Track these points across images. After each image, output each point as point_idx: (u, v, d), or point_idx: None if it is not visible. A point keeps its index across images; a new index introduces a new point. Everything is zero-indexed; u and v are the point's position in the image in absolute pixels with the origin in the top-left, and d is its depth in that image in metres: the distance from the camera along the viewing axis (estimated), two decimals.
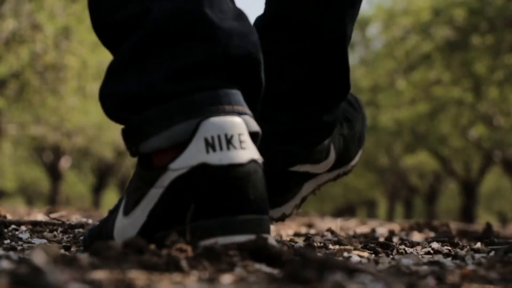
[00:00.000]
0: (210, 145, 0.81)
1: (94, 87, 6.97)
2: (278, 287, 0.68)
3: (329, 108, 1.21)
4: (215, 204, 0.83)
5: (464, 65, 7.04)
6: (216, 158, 0.81)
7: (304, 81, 1.18)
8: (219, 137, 0.81)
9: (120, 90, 0.88)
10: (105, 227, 0.97)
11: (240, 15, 0.91)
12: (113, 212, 0.96)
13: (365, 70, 9.71)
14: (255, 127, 0.86)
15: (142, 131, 0.85)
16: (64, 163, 11.67)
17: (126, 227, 0.91)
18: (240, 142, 0.82)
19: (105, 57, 6.55)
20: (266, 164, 1.01)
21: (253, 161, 0.84)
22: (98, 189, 14.05)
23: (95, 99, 7.93)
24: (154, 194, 0.86)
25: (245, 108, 0.85)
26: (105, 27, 0.91)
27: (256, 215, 0.85)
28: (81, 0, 5.91)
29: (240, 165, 0.82)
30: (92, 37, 6.16)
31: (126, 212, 0.91)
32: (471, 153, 9.60)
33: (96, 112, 8.27)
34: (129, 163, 13.89)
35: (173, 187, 0.84)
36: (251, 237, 0.82)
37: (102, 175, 13.98)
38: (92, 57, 6.28)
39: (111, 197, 21.37)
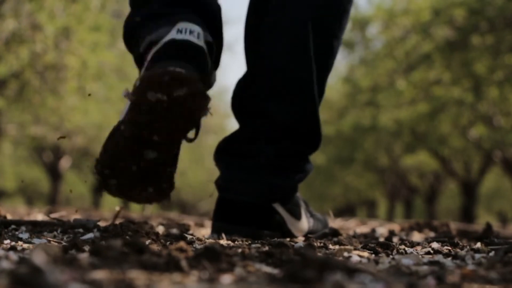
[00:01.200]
0: (179, 31, 1.30)
1: (94, 87, 6.97)
2: (278, 287, 0.68)
3: (303, 154, 1.51)
4: (176, 53, 1.30)
5: (464, 65, 7.03)
6: (180, 36, 1.30)
7: (285, 120, 1.47)
8: (185, 29, 1.31)
9: (136, 18, 1.42)
10: None
11: None
12: None
13: (365, 70, 9.70)
14: (209, 38, 1.36)
15: (143, 35, 1.36)
16: (64, 163, 11.67)
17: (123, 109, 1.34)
18: (198, 36, 1.31)
19: (105, 57, 6.55)
20: (251, 197, 1.43)
21: (206, 43, 1.33)
22: (98, 189, 14.04)
23: (95, 99, 7.94)
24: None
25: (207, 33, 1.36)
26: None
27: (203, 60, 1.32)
28: (81, 0, 5.91)
29: (196, 43, 1.30)
30: (92, 37, 6.16)
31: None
32: (471, 153, 9.59)
33: (96, 112, 8.27)
34: None
35: (152, 59, 1.32)
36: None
37: None
38: (92, 57, 6.27)
39: (111, 197, 21.33)
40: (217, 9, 1.45)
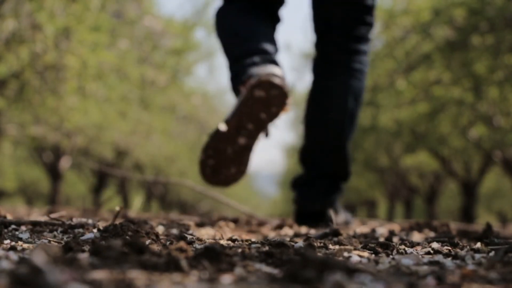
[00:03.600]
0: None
1: (94, 87, 6.97)
2: (278, 287, 0.68)
3: (341, 183, 2.57)
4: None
5: (464, 65, 7.03)
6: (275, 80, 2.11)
7: (330, 169, 2.54)
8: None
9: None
10: None
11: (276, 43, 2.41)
12: None
13: None
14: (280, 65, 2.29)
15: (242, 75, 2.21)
16: (64, 163, 11.67)
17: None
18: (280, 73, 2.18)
19: (105, 57, 6.55)
20: (318, 208, 2.50)
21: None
22: (98, 189, 14.05)
23: (95, 99, 7.94)
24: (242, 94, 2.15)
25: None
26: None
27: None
28: (81, 0, 5.91)
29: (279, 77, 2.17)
30: (92, 37, 6.16)
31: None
32: (471, 153, 9.59)
33: (96, 112, 8.27)
34: (129, 163, 13.88)
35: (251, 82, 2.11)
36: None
37: (102, 175, 13.98)
38: (92, 57, 6.26)
39: (111, 197, 21.33)
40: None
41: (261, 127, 2.03)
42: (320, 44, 2.53)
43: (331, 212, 2.35)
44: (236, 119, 2.00)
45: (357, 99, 2.47)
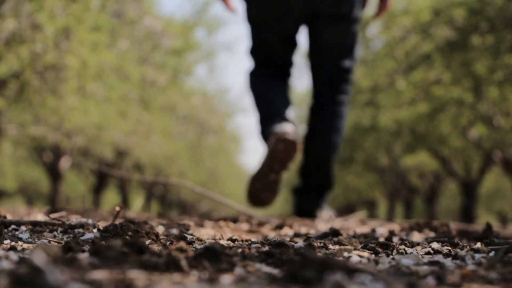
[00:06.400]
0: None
1: (94, 87, 6.97)
2: (278, 287, 0.68)
3: (326, 193, 3.53)
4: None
5: (464, 65, 7.03)
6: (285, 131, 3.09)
7: (319, 182, 3.54)
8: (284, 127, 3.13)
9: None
10: None
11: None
12: None
13: (365, 70, 9.70)
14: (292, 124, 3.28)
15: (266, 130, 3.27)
16: (64, 163, 11.67)
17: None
18: (291, 130, 3.14)
19: (105, 57, 6.54)
20: (310, 210, 3.53)
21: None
22: (98, 189, 14.04)
23: (95, 99, 7.93)
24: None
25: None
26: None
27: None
28: (81, 0, 5.90)
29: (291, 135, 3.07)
30: (92, 37, 6.16)
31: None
32: (471, 153, 9.59)
33: (96, 112, 8.27)
34: (129, 163, 13.88)
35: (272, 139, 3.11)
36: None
37: (102, 175, 13.98)
38: (92, 57, 6.26)
39: (111, 197, 21.35)
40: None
41: (284, 167, 3.03)
42: (315, 95, 3.50)
43: (318, 211, 3.38)
44: (268, 163, 3.00)
45: (339, 135, 3.43)
